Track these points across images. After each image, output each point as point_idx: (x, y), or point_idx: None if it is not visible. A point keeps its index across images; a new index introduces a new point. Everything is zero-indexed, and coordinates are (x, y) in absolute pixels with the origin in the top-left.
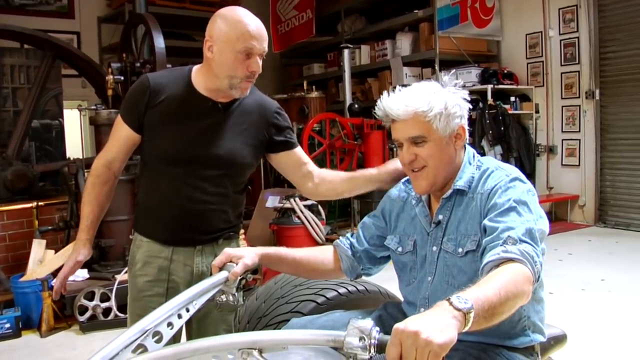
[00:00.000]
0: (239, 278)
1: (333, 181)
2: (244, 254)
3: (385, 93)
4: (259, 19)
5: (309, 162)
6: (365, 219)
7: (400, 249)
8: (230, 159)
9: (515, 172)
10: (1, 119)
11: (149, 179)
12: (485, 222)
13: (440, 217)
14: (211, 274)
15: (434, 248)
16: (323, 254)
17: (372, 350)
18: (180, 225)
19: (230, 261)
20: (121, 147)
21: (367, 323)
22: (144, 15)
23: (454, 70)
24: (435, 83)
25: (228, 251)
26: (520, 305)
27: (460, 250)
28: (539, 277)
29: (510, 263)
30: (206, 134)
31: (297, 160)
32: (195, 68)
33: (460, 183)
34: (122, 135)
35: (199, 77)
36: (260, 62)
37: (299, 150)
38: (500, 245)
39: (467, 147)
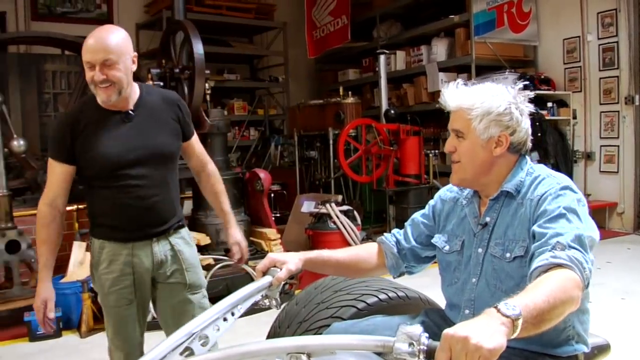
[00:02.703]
0: (282, 283)
1: (205, 190)
2: (287, 260)
3: (452, 83)
4: (115, 31)
5: (202, 154)
6: (415, 216)
7: (447, 248)
8: (160, 151)
9: (567, 181)
10: (42, 124)
11: (97, 193)
12: (535, 228)
13: (488, 219)
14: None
15: (480, 250)
16: (366, 252)
17: (421, 356)
18: (137, 222)
19: (274, 266)
20: (60, 184)
21: (417, 329)
22: (183, 21)
23: (516, 79)
24: (503, 88)
25: (272, 256)
26: (570, 311)
27: (508, 255)
28: (588, 283)
29: (559, 269)
30: (131, 139)
31: (192, 150)
32: None
33: (508, 186)
34: (57, 172)
35: None
36: (110, 71)
37: (195, 141)
38: (549, 251)
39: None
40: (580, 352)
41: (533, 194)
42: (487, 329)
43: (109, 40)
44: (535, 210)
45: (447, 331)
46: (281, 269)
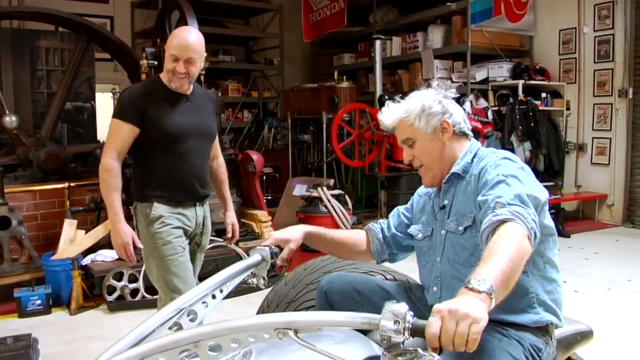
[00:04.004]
0: (270, 262)
1: (214, 177)
2: (290, 238)
3: (383, 109)
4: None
5: (218, 147)
6: (398, 208)
7: (420, 235)
8: (209, 130)
9: (507, 154)
10: (35, 101)
11: (156, 159)
12: (478, 198)
13: (445, 201)
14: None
15: (442, 231)
16: (357, 236)
17: (406, 334)
18: (186, 186)
19: (262, 245)
20: (126, 140)
21: (402, 307)
22: (179, 1)
23: (483, 65)
24: (422, 89)
25: (276, 236)
26: (526, 259)
27: (460, 228)
28: (535, 234)
29: (504, 225)
30: (191, 116)
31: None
32: (161, 74)
33: (456, 168)
34: (125, 132)
35: (166, 79)
36: (190, 66)
37: (216, 135)
38: (491, 212)
39: (473, 140)
40: (548, 322)
41: (476, 169)
42: (473, 305)
43: (195, 42)
44: (477, 184)
45: (437, 305)
46: (283, 248)
